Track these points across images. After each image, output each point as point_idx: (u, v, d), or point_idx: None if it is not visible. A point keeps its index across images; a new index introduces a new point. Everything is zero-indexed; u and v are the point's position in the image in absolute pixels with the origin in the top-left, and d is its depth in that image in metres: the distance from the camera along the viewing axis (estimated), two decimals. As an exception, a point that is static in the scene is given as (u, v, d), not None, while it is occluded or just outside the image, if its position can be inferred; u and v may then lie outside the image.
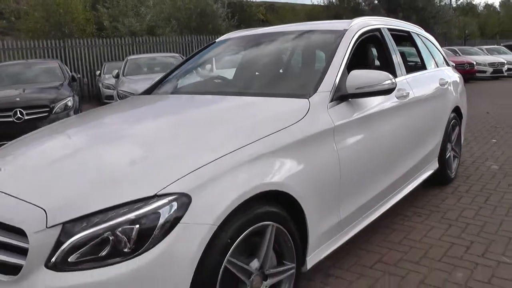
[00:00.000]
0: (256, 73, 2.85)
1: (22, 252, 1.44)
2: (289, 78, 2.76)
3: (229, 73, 3.22)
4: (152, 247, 1.39)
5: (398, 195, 2.92)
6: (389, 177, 2.70)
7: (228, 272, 1.57)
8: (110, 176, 1.56)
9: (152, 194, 1.44)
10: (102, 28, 17.60)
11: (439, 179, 3.78)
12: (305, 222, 1.90)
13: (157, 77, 8.90)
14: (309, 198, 1.89)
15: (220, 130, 1.87)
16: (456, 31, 32.94)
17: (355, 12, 31.96)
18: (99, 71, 13.71)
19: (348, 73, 2.32)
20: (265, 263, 1.74)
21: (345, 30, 2.66)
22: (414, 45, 3.73)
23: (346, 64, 2.43)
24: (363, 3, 31.41)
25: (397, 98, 2.81)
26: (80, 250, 1.39)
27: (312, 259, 2.02)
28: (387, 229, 2.95)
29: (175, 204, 1.44)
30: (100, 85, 12.46)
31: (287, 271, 1.86)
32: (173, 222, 1.42)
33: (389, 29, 3.22)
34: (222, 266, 1.52)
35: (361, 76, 2.28)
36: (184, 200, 1.45)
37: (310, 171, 1.92)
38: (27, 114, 6.14)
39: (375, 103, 2.55)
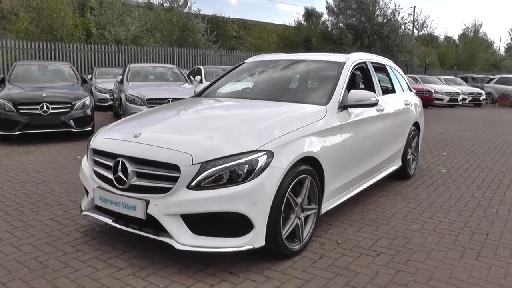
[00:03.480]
0: (288, 86, 4.02)
1: (171, 179, 2.49)
2: (310, 91, 3.93)
3: (260, 84, 4.33)
4: (254, 178, 2.48)
5: (374, 178, 4.15)
6: (370, 163, 3.92)
7: (288, 201, 2.68)
8: (228, 136, 2.66)
9: (254, 149, 2.55)
10: (90, 35, 18.29)
11: (402, 175, 5.06)
12: (323, 180, 3.05)
13: (158, 84, 9.82)
14: (327, 164, 3.04)
15: (278, 119, 3.00)
16: (417, 60, 35.31)
17: (324, 35, 34.02)
18: (90, 75, 14.40)
19: (348, 91, 3.54)
20: (303, 201, 2.87)
21: (344, 62, 3.88)
22: (387, 74, 5.02)
23: (346, 85, 3.65)
24: (332, 29, 33.29)
25: (376, 110, 4.05)
26: (209, 179, 2.47)
27: (324, 207, 3.17)
28: (365, 202, 4.14)
29: (265, 157, 2.54)
30: (93, 88, 13.17)
31: (313, 209, 2.99)
32: (264, 166, 2.52)
33: (371, 62, 4.49)
34: (286, 196, 2.63)
35: (357, 94, 3.49)
36: (270, 154, 2.57)
37: (328, 149, 3.07)
38: (52, 109, 6.99)
39: (363, 113, 3.77)
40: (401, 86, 5.29)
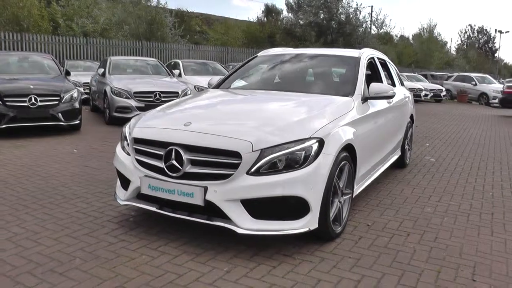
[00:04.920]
0: (311, 79, 4.17)
1: (231, 166, 2.57)
2: (333, 84, 4.09)
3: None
4: (310, 164, 2.61)
5: (384, 165, 4.42)
6: (383, 151, 4.19)
7: (334, 186, 2.83)
8: (280, 125, 2.77)
9: (308, 136, 2.68)
10: (57, 26, 17.54)
11: (399, 164, 5.37)
12: (355, 167, 3.24)
13: (141, 77, 9.68)
14: (359, 152, 3.23)
15: (318, 110, 3.14)
16: (378, 58, 36.50)
17: (287, 32, 34.51)
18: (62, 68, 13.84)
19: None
20: (343, 186, 3.04)
21: (359, 57, 4.09)
22: (387, 69, 5.30)
23: (364, 78, 3.85)
24: (295, 26, 33.75)
25: (387, 103, 4.30)
26: (267, 165, 2.57)
27: (355, 192, 3.36)
28: (376, 189, 4.39)
29: (317, 144, 2.68)
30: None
31: (349, 194, 3.17)
32: (318, 152, 2.66)
33: (377, 58, 4.73)
34: (334, 179, 2.79)
35: (377, 87, 3.70)
36: (321, 142, 2.71)
37: (358, 137, 3.25)
38: (41, 101, 6.73)
39: (378, 104, 3.99)
40: (399, 81, 5.59)
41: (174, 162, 2.68)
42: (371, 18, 37.82)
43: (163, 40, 22.60)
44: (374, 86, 3.70)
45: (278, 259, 2.66)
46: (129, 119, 3.49)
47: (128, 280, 2.36)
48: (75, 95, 7.26)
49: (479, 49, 61.68)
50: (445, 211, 3.81)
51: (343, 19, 33.28)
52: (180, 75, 11.41)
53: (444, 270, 2.64)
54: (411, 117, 5.62)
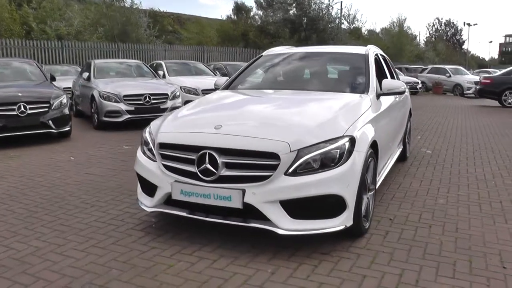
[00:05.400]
0: (324, 77, 4.19)
1: (269, 168, 2.57)
2: (347, 82, 4.11)
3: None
4: (345, 162, 2.64)
5: (393, 159, 4.51)
6: (394, 145, 4.28)
7: (364, 182, 2.88)
8: (315, 125, 2.79)
9: (341, 135, 2.71)
10: (30, 30, 16.95)
11: (401, 157, 5.49)
12: (377, 162, 3.30)
13: (128, 80, 9.50)
14: (380, 146, 3.30)
15: (342, 108, 3.18)
16: (351, 53, 37.02)
17: (260, 30, 34.60)
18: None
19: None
20: (370, 182, 3.09)
21: (367, 54, 4.15)
22: (387, 64, 5.40)
23: (375, 74, 3.92)
24: (267, 23, 33.81)
25: (395, 98, 4.39)
26: (304, 165, 2.59)
27: (377, 183, 3.44)
28: (386, 182, 4.46)
29: (349, 142, 2.71)
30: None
31: (373, 189, 3.22)
32: (350, 150, 2.69)
33: (380, 54, 4.82)
34: (365, 176, 2.84)
35: (390, 83, 3.79)
36: (353, 139, 2.74)
37: (378, 133, 3.31)
38: (30, 109, 6.50)
39: (389, 100, 4.08)
40: (396, 76, 5.71)
41: (209, 166, 2.66)
42: (341, 13, 38.31)
43: (138, 41, 22.23)
44: (387, 82, 3.77)
45: (316, 257, 2.68)
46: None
47: (176, 288, 2.33)
48: (64, 101, 7.06)
49: (447, 42, 63.69)
50: (457, 202, 3.93)
51: (315, 15, 33.57)
52: (164, 76, 11.26)
53: (475, 260, 2.73)
54: (410, 111, 5.76)
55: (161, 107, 8.60)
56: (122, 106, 8.21)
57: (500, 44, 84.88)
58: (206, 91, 10.54)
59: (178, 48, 23.52)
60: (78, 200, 3.97)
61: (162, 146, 2.94)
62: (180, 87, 10.26)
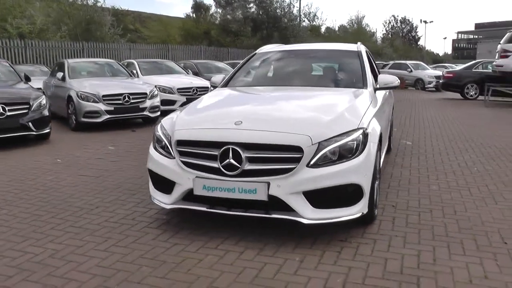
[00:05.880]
0: (324, 73, 4.35)
1: (292, 160, 2.68)
2: (345, 77, 4.28)
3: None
4: (362, 152, 2.80)
5: (384, 151, 4.74)
6: (387, 136, 4.49)
7: (376, 172, 3.05)
8: (330, 119, 2.92)
9: (356, 127, 2.86)
10: (-12, 28, 16.12)
11: (387, 149, 5.77)
12: (380, 153, 3.50)
13: (105, 79, 9.28)
14: (382, 137, 3.49)
15: (350, 102, 3.34)
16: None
17: (223, 28, 34.60)
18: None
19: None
20: (378, 171, 3.27)
21: (359, 50, 4.35)
22: (369, 61, 5.64)
23: (370, 69, 4.12)
24: (229, 22, 33.85)
25: (385, 92, 4.62)
26: (324, 157, 2.72)
27: (379, 176, 3.64)
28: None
29: (363, 133, 2.87)
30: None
31: (379, 178, 3.41)
32: (365, 141, 2.85)
33: (366, 51, 5.05)
34: (377, 166, 3.01)
35: (385, 78, 4.00)
36: (366, 131, 2.90)
37: (381, 125, 3.52)
38: (9, 111, 6.25)
39: (382, 94, 4.30)
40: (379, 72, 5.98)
41: (233, 161, 2.73)
42: (299, 10, 38.95)
43: (102, 40, 21.65)
44: (382, 77, 3.98)
45: (337, 244, 2.83)
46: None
47: (214, 280, 2.39)
48: (44, 102, 6.83)
49: (403, 38, 66.21)
50: (448, 187, 4.21)
51: (277, 13, 33.93)
52: (137, 75, 11.07)
53: (479, 238, 2.98)
54: (393, 104, 6.04)
55: (140, 106, 8.50)
56: (101, 106, 8.03)
57: (453, 40, 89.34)
58: (181, 90, 10.54)
59: (142, 47, 23.13)
60: (81, 201, 3.92)
61: (180, 143, 2.97)
62: (155, 86, 10.14)
